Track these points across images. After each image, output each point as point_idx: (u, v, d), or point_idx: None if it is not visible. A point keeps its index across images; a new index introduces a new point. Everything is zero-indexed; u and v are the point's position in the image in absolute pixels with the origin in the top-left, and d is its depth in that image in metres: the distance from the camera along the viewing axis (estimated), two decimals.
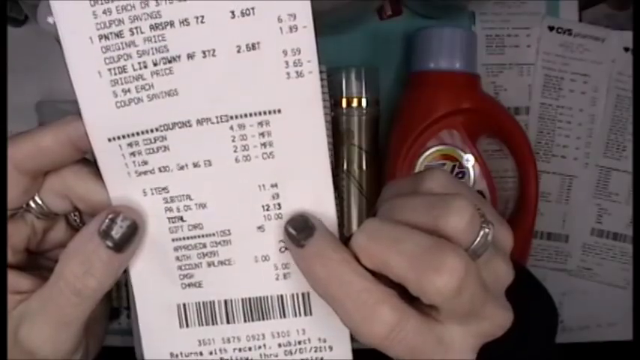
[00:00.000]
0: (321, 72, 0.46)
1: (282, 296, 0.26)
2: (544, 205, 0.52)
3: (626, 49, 0.52)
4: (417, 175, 0.26)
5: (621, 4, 0.52)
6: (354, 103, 0.49)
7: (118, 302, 0.51)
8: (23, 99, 0.51)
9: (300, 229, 0.24)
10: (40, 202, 0.26)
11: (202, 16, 0.22)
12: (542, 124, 0.53)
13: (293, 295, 0.26)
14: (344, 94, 0.49)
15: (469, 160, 0.47)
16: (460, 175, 0.47)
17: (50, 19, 0.39)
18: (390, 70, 0.52)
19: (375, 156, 0.50)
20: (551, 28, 0.53)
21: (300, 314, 0.26)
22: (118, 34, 0.22)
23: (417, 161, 0.47)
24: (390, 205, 0.25)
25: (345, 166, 0.50)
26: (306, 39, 0.22)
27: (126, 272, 0.28)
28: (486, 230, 0.23)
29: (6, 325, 0.26)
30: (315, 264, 0.24)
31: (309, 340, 0.26)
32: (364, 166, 0.49)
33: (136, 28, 0.22)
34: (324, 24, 0.49)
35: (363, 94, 0.49)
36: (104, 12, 0.22)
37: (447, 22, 0.53)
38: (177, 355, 0.26)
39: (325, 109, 0.48)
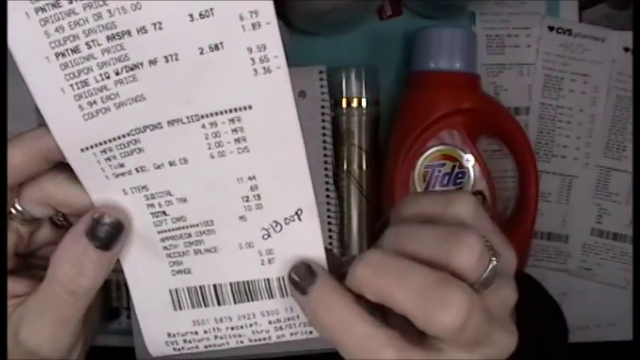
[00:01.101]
0: (320, 72, 0.47)
1: (268, 280, 0.27)
2: (544, 205, 0.52)
3: (626, 49, 0.52)
4: (445, 197, 0.26)
5: (621, 4, 0.52)
6: (354, 103, 0.49)
7: (118, 302, 0.51)
8: (23, 99, 0.50)
9: (302, 277, 0.25)
10: (20, 209, 0.26)
11: (160, 22, 0.22)
12: (542, 124, 0.53)
13: (279, 278, 0.27)
14: (344, 94, 0.49)
15: (469, 160, 0.47)
16: (460, 175, 0.47)
17: None
18: (390, 70, 0.52)
19: (375, 156, 0.50)
20: (551, 28, 0.53)
21: (286, 294, 0.27)
22: (75, 50, 0.22)
23: (417, 161, 0.47)
24: (398, 232, 0.25)
25: (345, 166, 0.50)
26: (270, 35, 0.22)
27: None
28: (494, 263, 0.24)
29: (6, 325, 0.27)
30: (318, 310, 0.25)
31: (297, 316, 0.28)
32: (364, 166, 0.49)
33: (92, 41, 0.22)
34: (324, 24, 0.49)
35: (363, 94, 0.49)
36: (56, 30, 0.22)
37: (447, 22, 0.53)
38: (174, 335, 0.28)
39: (325, 109, 0.48)
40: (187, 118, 0.24)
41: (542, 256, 0.53)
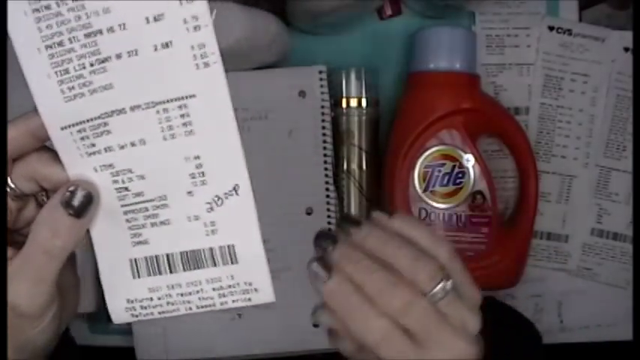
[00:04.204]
0: (320, 72, 0.47)
1: (212, 248, 0.31)
2: (544, 205, 0.52)
3: (626, 49, 0.52)
4: (435, 240, 0.31)
5: (621, 4, 0.52)
6: (354, 103, 0.49)
7: None
8: (23, 99, 0.51)
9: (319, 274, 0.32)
10: (12, 185, 0.31)
11: (124, 24, 0.27)
12: (542, 124, 0.53)
13: (221, 247, 0.31)
14: (344, 94, 0.49)
15: (469, 160, 0.47)
16: (460, 175, 0.47)
17: None
18: (390, 70, 0.53)
19: (375, 156, 0.50)
20: (551, 28, 0.53)
21: (228, 263, 0.31)
22: (60, 44, 0.27)
23: (417, 161, 0.47)
24: (382, 237, 0.31)
25: (345, 166, 0.50)
26: (208, 35, 0.27)
27: None
28: (446, 284, 0.30)
29: (6, 325, 0.30)
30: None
31: (237, 284, 0.31)
32: (364, 166, 0.49)
33: (73, 37, 0.27)
34: (324, 24, 0.49)
35: (363, 94, 0.49)
36: (47, 27, 0.27)
37: (447, 22, 0.53)
38: (132, 301, 0.32)
39: (325, 109, 0.48)
40: (145, 104, 0.28)
41: (542, 256, 0.53)
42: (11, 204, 0.31)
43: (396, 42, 0.53)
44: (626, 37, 0.52)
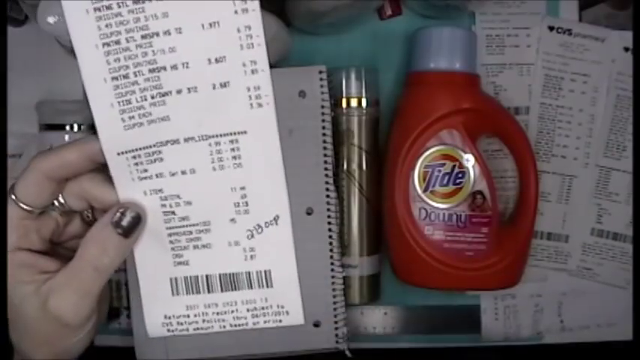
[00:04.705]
0: (320, 72, 0.47)
1: (249, 272, 0.33)
2: (544, 205, 0.53)
3: (626, 49, 0.52)
4: None
5: (621, 4, 0.52)
6: (354, 103, 0.49)
7: (118, 302, 0.51)
8: (23, 99, 0.51)
9: None
10: (62, 201, 0.33)
11: (187, 62, 0.29)
12: (542, 124, 0.53)
13: (258, 272, 0.33)
14: (344, 94, 0.49)
15: (469, 160, 0.47)
16: (460, 175, 0.47)
17: (50, 19, 0.39)
18: (390, 70, 0.53)
19: (375, 156, 0.50)
20: (551, 28, 0.53)
21: (263, 286, 0.33)
22: (125, 76, 0.30)
23: (417, 161, 0.47)
24: None
25: (345, 166, 0.50)
26: (264, 79, 0.30)
27: (125, 272, 0.35)
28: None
29: (6, 324, 0.32)
30: None
31: (270, 306, 0.34)
32: (364, 166, 0.49)
33: (138, 71, 0.29)
34: (324, 24, 0.49)
35: (363, 94, 0.49)
36: (115, 60, 0.30)
37: (447, 22, 0.53)
38: (170, 317, 0.34)
39: (325, 109, 0.48)
40: (199, 137, 0.31)
41: (542, 256, 0.53)
42: (59, 218, 0.34)
43: (396, 42, 0.53)
44: (626, 37, 0.52)
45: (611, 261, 0.53)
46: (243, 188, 0.32)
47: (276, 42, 0.47)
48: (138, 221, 0.32)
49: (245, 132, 0.31)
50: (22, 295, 0.31)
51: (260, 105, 0.30)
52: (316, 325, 0.49)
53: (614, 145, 0.53)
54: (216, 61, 0.29)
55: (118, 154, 0.31)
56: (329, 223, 0.48)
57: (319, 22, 0.48)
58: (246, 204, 0.32)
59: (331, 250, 0.49)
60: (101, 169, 0.33)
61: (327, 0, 0.45)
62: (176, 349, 0.50)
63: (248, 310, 0.34)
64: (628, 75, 0.52)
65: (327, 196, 0.48)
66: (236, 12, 0.28)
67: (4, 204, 0.32)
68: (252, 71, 0.30)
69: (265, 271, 0.33)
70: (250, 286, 0.33)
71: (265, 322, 0.34)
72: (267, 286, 0.33)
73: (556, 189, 0.53)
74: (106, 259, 0.31)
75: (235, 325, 0.34)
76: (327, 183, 0.48)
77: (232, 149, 0.31)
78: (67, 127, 0.47)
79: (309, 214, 0.49)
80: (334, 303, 0.49)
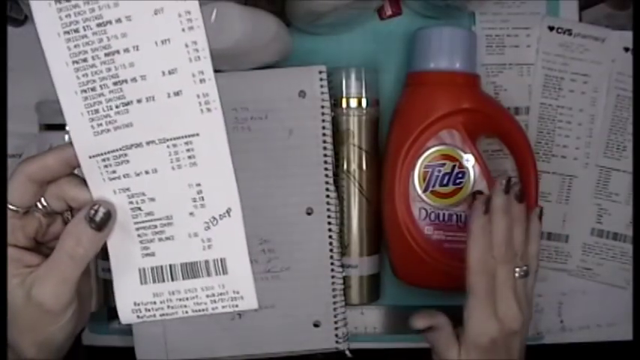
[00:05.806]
0: (320, 72, 0.47)
1: (207, 261, 0.36)
2: (544, 205, 0.52)
3: (626, 49, 0.52)
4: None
5: (621, 4, 0.52)
6: (354, 103, 0.49)
7: None
8: (23, 99, 0.51)
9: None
10: (45, 203, 0.37)
11: (145, 75, 0.33)
12: (542, 124, 0.53)
13: (214, 260, 0.36)
14: (344, 94, 0.49)
15: (469, 160, 0.47)
16: (460, 175, 0.47)
17: None
18: (390, 70, 0.53)
19: (375, 156, 0.50)
20: (551, 28, 0.53)
21: (219, 273, 0.36)
22: (92, 89, 0.34)
23: (417, 161, 0.47)
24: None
25: (345, 166, 0.50)
26: (211, 87, 0.33)
27: None
28: (522, 269, 0.42)
29: (6, 324, 0.35)
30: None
31: (227, 292, 0.37)
32: (364, 166, 0.49)
33: (104, 84, 0.33)
34: (324, 24, 0.49)
35: (363, 94, 0.49)
36: (84, 75, 0.34)
37: (447, 22, 0.53)
38: (138, 304, 0.37)
39: (325, 109, 0.48)
40: (158, 140, 0.34)
41: (543, 256, 0.53)
42: (42, 219, 0.37)
43: (396, 42, 0.53)
44: (626, 37, 0.52)
45: (611, 261, 0.53)
46: (199, 184, 0.35)
47: (276, 42, 0.47)
48: (109, 217, 0.35)
49: (197, 134, 0.34)
50: (9, 288, 0.36)
51: (209, 110, 0.34)
52: (316, 325, 0.49)
53: (614, 145, 0.53)
54: (169, 73, 0.33)
55: (90, 157, 0.35)
56: (329, 223, 0.48)
57: (319, 23, 0.48)
58: (202, 199, 0.35)
59: (331, 250, 0.49)
60: (76, 174, 0.37)
61: (327, 0, 0.45)
62: (176, 349, 0.50)
63: (207, 296, 0.37)
64: (628, 75, 0.52)
65: (327, 196, 0.48)
66: (183, 30, 0.32)
67: (4, 204, 0.35)
68: (201, 80, 0.33)
69: (221, 259, 0.36)
70: (208, 274, 0.36)
71: (223, 307, 0.37)
72: (223, 273, 0.36)
73: (556, 189, 0.53)
74: (81, 249, 0.35)
75: (196, 311, 0.37)
76: (327, 183, 0.48)
77: (187, 150, 0.34)
78: (67, 127, 0.47)
79: (309, 214, 0.49)
80: (334, 303, 0.49)
